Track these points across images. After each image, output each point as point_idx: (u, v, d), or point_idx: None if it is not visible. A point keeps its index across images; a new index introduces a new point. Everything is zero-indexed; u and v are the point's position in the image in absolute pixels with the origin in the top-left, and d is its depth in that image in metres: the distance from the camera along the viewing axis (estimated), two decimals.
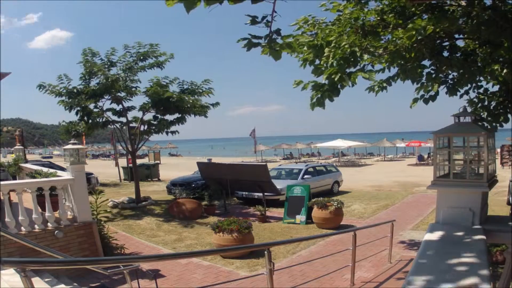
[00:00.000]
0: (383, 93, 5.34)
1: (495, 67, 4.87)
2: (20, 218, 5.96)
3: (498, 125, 5.28)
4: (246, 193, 13.51)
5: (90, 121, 12.56)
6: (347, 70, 4.35)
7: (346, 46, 4.19)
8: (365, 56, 4.55)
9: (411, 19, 4.27)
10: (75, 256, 6.18)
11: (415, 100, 5.40)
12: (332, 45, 4.27)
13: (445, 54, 5.02)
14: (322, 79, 4.43)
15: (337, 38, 4.30)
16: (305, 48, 4.47)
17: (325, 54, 4.32)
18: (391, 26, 4.37)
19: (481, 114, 5.45)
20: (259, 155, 42.39)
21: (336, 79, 4.17)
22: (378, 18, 4.37)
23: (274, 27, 2.60)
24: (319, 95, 4.39)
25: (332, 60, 4.25)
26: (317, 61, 4.65)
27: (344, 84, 4.27)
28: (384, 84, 5.28)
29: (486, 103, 5.56)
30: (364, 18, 4.44)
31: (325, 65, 4.43)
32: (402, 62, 4.73)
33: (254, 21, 2.56)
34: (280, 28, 2.66)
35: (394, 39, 4.55)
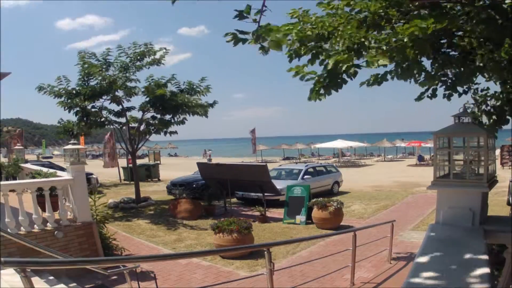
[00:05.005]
0: (383, 94, 5.28)
1: (495, 67, 4.84)
2: (20, 218, 5.96)
3: (497, 127, 5.25)
4: (246, 193, 13.51)
5: (89, 121, 12.57)
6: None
7: (356, 35, 4.04)
8: (373, 44, 4.39)
9: (409, 14, 4.21)
10: (75, 256, 6.18)
11: (420, 97, 5.22)
12: (339, 33, 4.12)
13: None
14: (320, 71, 4.31)
15: (344, 26, 4.17)
16: (308, 38, 4.29)
17: (332, 42, 4.15)
18: (393, 20, 4.30)
19: (479, 117, 5.41)
20: (259, 155, 42.33)
21: (343, 69, 3.98)
22: (381, 11, 4.29)
23: (264, 25, 2.54)
24: (318, 88, 4.30)
25: (341, 48, 4.09)
26: (310, 56, 4.51)
27: (351, 73, 4.08)
28: (379, 79, 5.17)
29: (485, 104, 5.53)
30: (369, 10, 4.34)
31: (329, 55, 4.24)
32: (402, 59, 4.66)
33: (241, 15, 2.49)
34: (270, 23, 2.60)
35: (398, 33, 4.46)
